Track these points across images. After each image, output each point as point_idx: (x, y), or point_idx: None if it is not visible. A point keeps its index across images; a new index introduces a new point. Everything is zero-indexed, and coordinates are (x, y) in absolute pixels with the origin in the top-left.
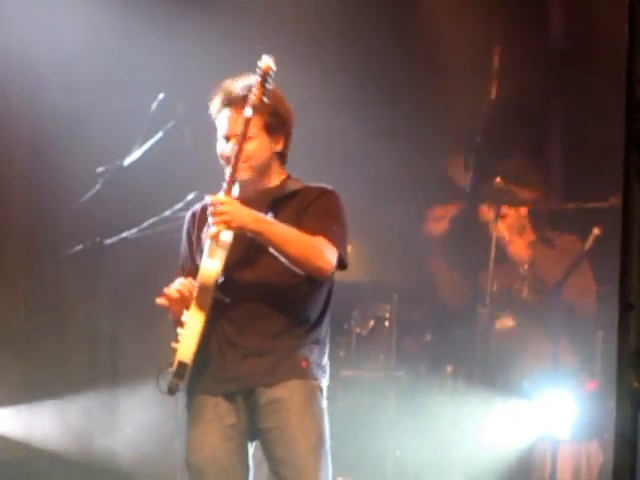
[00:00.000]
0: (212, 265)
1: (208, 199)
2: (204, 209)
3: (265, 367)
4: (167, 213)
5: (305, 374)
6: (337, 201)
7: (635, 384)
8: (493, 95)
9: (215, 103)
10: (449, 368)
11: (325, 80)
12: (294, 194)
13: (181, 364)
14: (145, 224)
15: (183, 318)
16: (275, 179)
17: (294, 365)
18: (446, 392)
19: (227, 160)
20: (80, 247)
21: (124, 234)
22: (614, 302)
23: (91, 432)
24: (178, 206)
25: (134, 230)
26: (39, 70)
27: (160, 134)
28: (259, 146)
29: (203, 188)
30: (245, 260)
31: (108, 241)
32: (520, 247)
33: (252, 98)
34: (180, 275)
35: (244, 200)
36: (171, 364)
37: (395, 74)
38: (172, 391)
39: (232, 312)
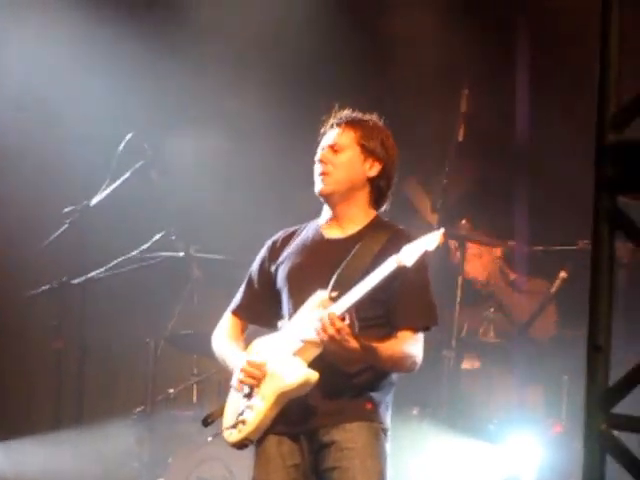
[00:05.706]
0: (290, 377)
1: (289, 230)
2: (285, 239)
3: (329, 408)
4: (134, 253)
5: (370, 416)
6: (423, 265)
7: (603, 426)
8: (461, 137)
9: (327, 126)
10: (415, 410)
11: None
12: (377, 241)
13: (246, 440)
14: (112, 264)
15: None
16: (362, 217)
17: (359, 407)
18: (412, 434)
19: (318, 165)
20: (47, 287)
21: (91, 274)
22: (579, 347)
23: (56, 473)
24: (145, 246)
25: (101, 270)
26: (2, 109)
27: (127, 174)
28: (348, 159)
29: (170, 229)
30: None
31: (75, 281)
32: (475, 267)
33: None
34: (243, 291)
35: (329, 241)
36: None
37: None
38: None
39: None
